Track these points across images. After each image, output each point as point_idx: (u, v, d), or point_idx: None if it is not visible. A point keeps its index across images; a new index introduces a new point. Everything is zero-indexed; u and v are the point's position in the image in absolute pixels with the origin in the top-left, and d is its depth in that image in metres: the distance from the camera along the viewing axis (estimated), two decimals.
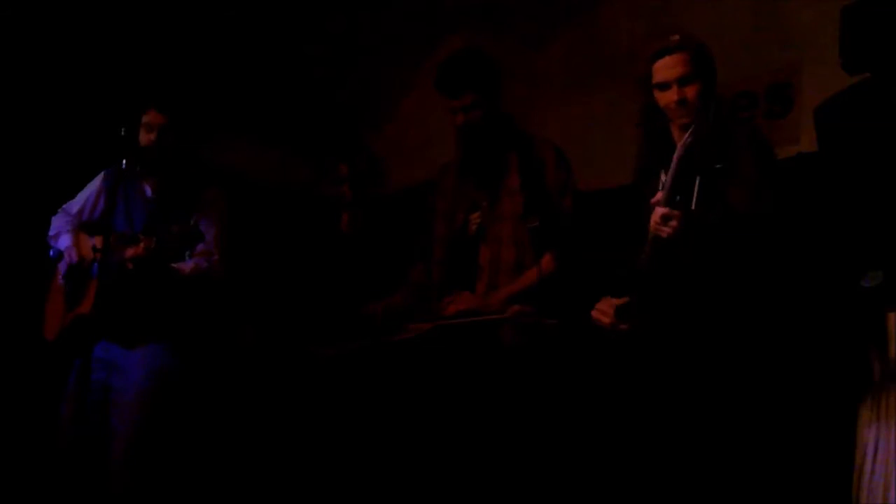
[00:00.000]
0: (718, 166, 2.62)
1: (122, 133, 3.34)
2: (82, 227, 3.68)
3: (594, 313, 2.81)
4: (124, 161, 3.38)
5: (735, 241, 2.65)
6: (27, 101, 4.54)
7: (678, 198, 2.59)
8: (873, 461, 2.70)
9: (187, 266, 3.51)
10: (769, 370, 2.71)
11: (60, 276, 3.61)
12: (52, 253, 3.65)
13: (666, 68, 2.81)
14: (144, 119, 3.59)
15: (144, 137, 3.58)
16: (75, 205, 3.74)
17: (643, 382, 2.73)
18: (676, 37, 2.84)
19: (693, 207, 2.59)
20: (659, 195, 2.66)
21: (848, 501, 2.77)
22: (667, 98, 2.81)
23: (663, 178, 2.86)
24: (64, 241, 3.63)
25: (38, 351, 3.77)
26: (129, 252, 3.36)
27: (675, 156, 2.60)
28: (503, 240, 3.33)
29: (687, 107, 2.79)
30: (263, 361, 4.22)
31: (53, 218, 3.75)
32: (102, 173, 3.73)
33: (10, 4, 4.39)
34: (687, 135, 2.61)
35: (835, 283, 2.82)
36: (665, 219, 2.60)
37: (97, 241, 3.41)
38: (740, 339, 2.67)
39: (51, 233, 3.71)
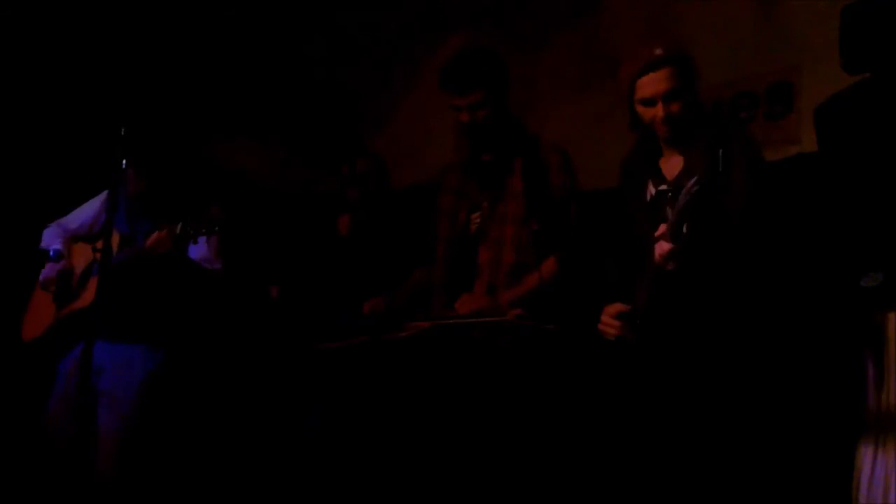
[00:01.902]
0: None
1: (122, 133, 3.34)
2: (75, 239, 3.67)
3: (600, 326, 2.79)
4: (124, 161, 3.38)
5: (730, 250, 2.65)
6: (17, 102, 4.54)
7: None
8: (873, 462, 2.70)
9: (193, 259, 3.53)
10: (769, 373, 2.71)
11: (49, 279, 3.59)
12: (52, 253, 3.64)
13: (651, 84, 2.76)
14: (129, 174, 3.56)
15: (133, 186, 3.57)
16: (72, 222, 3.71)
17: (643, 391, 2.73)
18: (660, 50, 2.77)
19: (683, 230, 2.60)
20: (663, 228, 2.63)
21: (848, 502, 2.77)
22: (652, 114, 2.79)
23: (652, 189, 2.86)
24: (55, 247, 3.62)
25: (15, 352, 3.75)
26: (156, 237, 3.35)
27: (679, 204, 2.58)
28: (504, 242, 3.31)
29: (672, 122, 2.77)
30: (261, 359, 4.23)
31: (46, 231, 3.71)
32: (104, 194, 3.69)
33: (10, 4, 4.40)
34: (691, 183, 2.59)
35: (834, 284, 2.82)
36: (672, 254, 2.59)
37: (98, 242, 3.41)
38: (740, 342, 2.67)
39: (42, 245, 3.68)
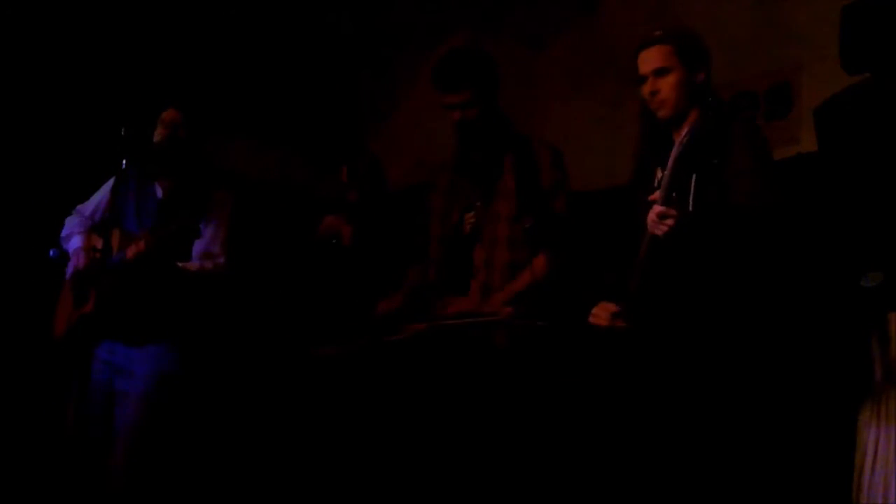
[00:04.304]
0: (715, 161, 2.61)
1: (123, 133, 3.36)
2: (94, 228, 3.69)
3: (591, 319, 2.79)
4: (124, 162, 3.40)
5: (734, 235, 2.64)
6: (36, 103, 4.56)
7: (674, 195, 2.57)
8: (873, 461, 2.70)
9: (193, 266, 3.52)
10: (769, 370, 2.71)
11: (67, 276, 3.62)
12: (51, 253, 3.66)
13: (644, 61, 2.79)
14: (162, 116, 3.61)
15: (158, 134, 3.60)
16: (89, 206, 3.75)
17: (639, 385, 2.72)
18: (659, 32, 2.81)
19: (690, 207, 2.57)
20: (656, 193, 2.63)
21: (848, 502, 2.77)
22: (644, 91, 2.80)
23: (659, 174, 2.85)
24: (75, 243, 3.65)
25: (47, 348, 3.77)
26: (131, 250, 3.37)
27: (672, 154, 2.57)
28: (498, 240, 3.32)
29: (659, 99, 2.77)
30: (264, 361, 4.22)
31: (67, 219, 3.76)
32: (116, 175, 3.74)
33: (15, 4, 4.41)
34: (684, 134, 2.59)
35: (835, 284, 2.82)
36: (662, 217, 2.55)
37: (98, 241, 3.43)
38: (739, 338, 2.66)
39: (63, 233, 3.72)
